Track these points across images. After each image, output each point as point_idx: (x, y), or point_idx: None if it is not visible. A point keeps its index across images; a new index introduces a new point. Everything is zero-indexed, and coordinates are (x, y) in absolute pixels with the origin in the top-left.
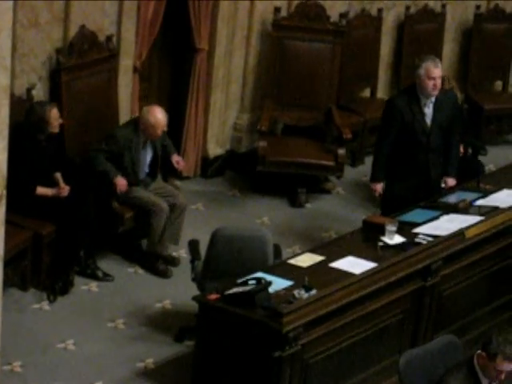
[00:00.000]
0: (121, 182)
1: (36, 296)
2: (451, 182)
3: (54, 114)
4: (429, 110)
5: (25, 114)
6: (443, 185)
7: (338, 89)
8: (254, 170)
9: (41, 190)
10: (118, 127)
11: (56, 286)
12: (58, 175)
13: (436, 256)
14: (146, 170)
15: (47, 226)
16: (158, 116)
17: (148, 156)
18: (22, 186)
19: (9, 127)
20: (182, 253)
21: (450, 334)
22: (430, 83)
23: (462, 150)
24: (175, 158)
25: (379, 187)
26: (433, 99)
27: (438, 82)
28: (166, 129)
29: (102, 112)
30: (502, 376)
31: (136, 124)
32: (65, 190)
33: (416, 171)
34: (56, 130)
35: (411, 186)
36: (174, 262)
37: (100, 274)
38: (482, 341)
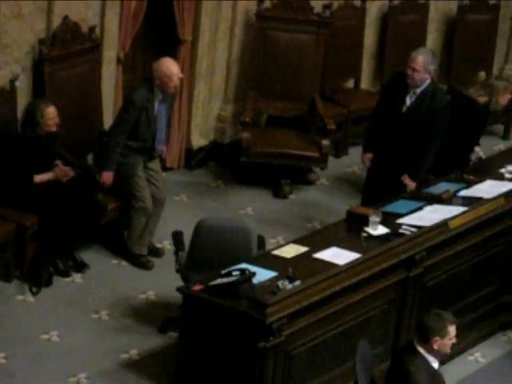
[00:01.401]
0: (107, 176)
1: (20, 287)
2: (409, 182)
3: (47, 114)
4: (410, 101)
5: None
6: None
7: (322, 80)
8: (238, 161)
9: (39, 177)
10: (132, 91)
11: (42, 278)
12: (59, 162)
13: (420, 247)
14: (164, 134)
15: (31, 217)
16: (171, 65)
17: (164, 118)
18: (20, 177)
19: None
20: (165, 244)
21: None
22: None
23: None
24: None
25: (365, 157)
26: (417, 91)
27: (409, 72)
28: (181, 76)
29: (85, 103)
30: (455, 340)
31: (149, 83)
32: (65, 170)
33: (381, 156)
34: (52, 128)
35: (377, 171)
36: (158, 252)
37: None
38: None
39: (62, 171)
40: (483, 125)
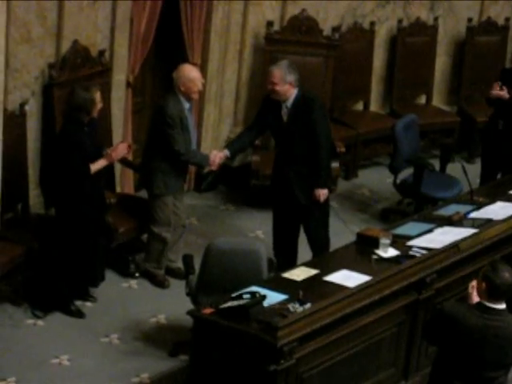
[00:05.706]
0: (215, 155)
1: (29, 311)
2: (321, 194)
3: (98, 97)
4: (285, 116)
5: (67, 101)
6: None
7: (331, 102)
8: (248, 184)
9: (94, 167)
10: (163, 105)
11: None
12: (108, 150)
13: (430, 269)
14: (195, 144)
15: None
16: (192, 70)
17: (193, 128)
18: (77, 173)
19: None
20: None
21: None
22: None
23: None
24: None
25: (219, 152)
26: (288, 105)
27: (270, 87)
28: (203, 80)
29: None
30: None
31: (173, 94)
32: (121, 149)
33: (279, 165)
34: (96, 113)
35: (278, 179)
36: (176, 273)
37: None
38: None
39: (117, 151)
40: None
